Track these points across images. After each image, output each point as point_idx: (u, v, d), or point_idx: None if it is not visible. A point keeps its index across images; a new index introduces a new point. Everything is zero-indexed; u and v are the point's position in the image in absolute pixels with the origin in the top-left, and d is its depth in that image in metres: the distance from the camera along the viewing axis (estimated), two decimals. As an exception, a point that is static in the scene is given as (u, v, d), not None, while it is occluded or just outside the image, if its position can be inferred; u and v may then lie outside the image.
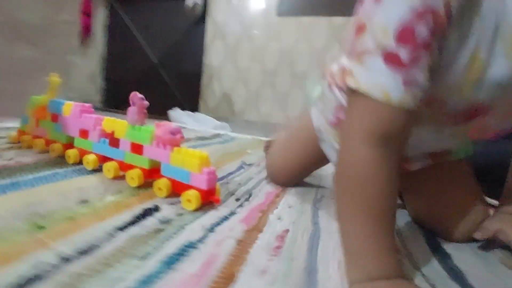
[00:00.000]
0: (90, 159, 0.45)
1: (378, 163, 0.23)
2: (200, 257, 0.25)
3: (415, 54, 0.21)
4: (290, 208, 0.41)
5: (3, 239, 0.24)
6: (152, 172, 0.41)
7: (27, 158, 0.48)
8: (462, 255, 0.32)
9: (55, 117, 0.52)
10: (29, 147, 0.54)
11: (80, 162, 0.47)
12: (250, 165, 0.66)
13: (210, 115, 1.84)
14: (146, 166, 0.41)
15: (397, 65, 0.21)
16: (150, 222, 0.31)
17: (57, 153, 0.50)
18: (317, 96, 0.47)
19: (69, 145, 0.50)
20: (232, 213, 0.36)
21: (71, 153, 0.47)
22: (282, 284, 0.23)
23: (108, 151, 0.45)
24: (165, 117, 1.64)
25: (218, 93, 1.84)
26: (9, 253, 0.22)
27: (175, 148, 0.39)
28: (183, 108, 1.73)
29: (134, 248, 0.25)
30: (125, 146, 0.43)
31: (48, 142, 0.52)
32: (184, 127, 1.29)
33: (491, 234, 0.33)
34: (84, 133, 0.48)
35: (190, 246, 0.27)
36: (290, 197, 0.46)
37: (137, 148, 0.42)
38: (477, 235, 0.34)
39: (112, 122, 0.46)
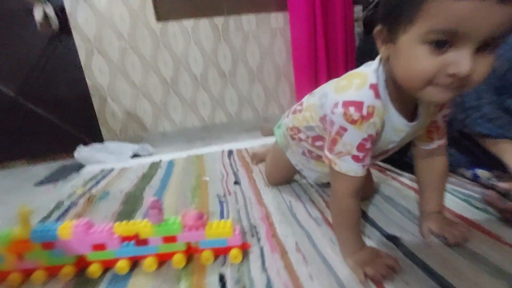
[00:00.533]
0: (123, 265, 0.51)
1: (354, 204, 0.46)
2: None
3: (365, 153, 0.44)
4: (285, 224, 0.62)
5: None
6: (187, 251, 0.52)
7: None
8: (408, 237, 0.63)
9: (48, 245, 0.51)
10: (20, 283, 0.52)
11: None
12: (224, 195, 0.81)
13: (118, 139, 1.73)
14: (183, 248, 0.52)
15: (358, 160, 0.43)
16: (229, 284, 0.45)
17: (70, 276, 0.52)
18: (282, 143, 0.70)
19: (77, 263, 0.53)
20: (262, 248, 0.54)
21: (96, 268, 0.51)
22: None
23: (137, 251, 0.52)
24: (67, 157, 1.46)
25: (120, 113, 1.71)
26: None
27: (206, 227, 0.51)
28: (84, 143, 1.55)
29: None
30: (156, 242, 0.51)
31: (49, 270, 0.52)
32: (104, 169, 1.23)
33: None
34: (99, 247, 0.51)
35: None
36: (274, 212, 0.67)
37: (170, 239, 0.51)
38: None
39: (125, 226, 0.52)
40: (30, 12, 1.45)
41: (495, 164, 0.62)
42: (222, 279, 0.47)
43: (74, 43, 1.56)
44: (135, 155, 1.53)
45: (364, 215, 0.62)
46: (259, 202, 0.74)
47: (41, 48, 1.56)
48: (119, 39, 1.60)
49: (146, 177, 1.06)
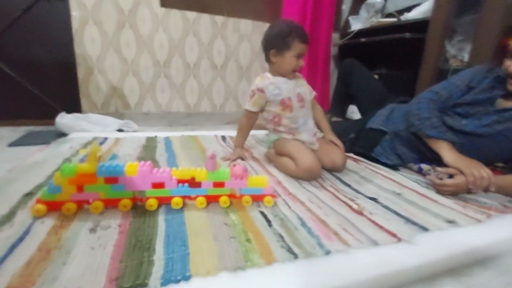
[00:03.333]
0: (178, 200, 0.62)
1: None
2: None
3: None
4: (294, 188, 0.80)
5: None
6: (231, 196, 0.66)
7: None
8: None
9: (111, 180, 0.59)
10: (73, 213, 0.58)
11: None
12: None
13: (98, 113, 1.69)
14: (229, 192, 0.65)
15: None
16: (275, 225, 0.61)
17: (128, 207, 0.60)
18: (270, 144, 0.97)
19: (133, 198, 0.62)
20: (284, 200, 0.71)
21: (153, 202, 0.61)
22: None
23: (190, 191, 0.63)
24: (37, 124, 1.40)
25: (104, 87, 1.68)
26: None
27: (248, 178, 0.66)
28: (57, 112, 1.48)
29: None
30: (207, 185, 0.64)
31: (106, 202, 0.60)
32: (97, 137, 1.24)
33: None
34: (158, 185, 0.61)
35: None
36: (283, 180, 0.84)
37: (219, 184, 0.64)
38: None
39: (182, 171, 0.63)
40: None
41: (435, 159, 0.90)
42: (262, 214, 0.62)
43: (68, 7, 1.51)
44: (119, 130, 1.53)
45: (349, 186, 0.83)
46: (268, 173, 0.90)
47: (28, 4, 1.46)
48: (118, 14, 1.60)
49: (149, 148, 1.12)
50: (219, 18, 1.81)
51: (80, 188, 0.58)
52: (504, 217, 0.67)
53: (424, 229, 0.59)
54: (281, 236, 0.54)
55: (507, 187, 0.76)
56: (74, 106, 1.65)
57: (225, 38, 1.87)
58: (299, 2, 1.85)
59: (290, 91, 0.92)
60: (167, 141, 1.26)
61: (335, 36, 2.11)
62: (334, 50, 2.17)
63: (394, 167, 1.00)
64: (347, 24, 2.09)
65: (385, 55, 1.90)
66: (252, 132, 1.07)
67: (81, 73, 1.61)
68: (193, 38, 1.79)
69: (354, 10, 2.08)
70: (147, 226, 0.55)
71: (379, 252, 0.51)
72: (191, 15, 1.74)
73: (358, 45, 1.92)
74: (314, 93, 1.01)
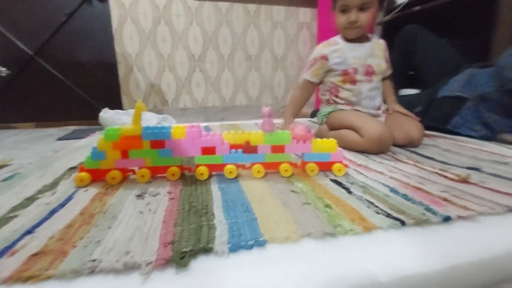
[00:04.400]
0: (232, 169, 0.52)
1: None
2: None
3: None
4: (361, 160, 0.66)
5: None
6: (291, 164, 0.55)
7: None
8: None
9: (158, 144, 0.52)
10: (118, 182, 0.51)
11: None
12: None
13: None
14: (290, 159, 0.54)
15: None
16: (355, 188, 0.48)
17: (177, 177, 0.52)
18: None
19: (181, 166, 0.53)
20: (356, 170, 0.58)
21: (204, 170, 0.52)
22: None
23: (244, 158, 0.54)
24: (79, 124, 1.41)
25: (143, 84, 1.69)
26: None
27: (312, 141, 0.55)
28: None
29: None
30: (264, 150, 0.54)
31: (153, 171, 0.52)
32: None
33: None
34: (209, 150, 0.53)
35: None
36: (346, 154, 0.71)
37: (278, 149, 0.54)
38: None
39: (234, 135, 0.54)
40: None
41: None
42: (335, 182, 0.50)
43: (108, 8, 1.55)
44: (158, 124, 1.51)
45: (432, 159, 0.67)
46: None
47: (72, 9, 1.53)
48: (153, 10, 1.61)
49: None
50: (251, 6, 1.75)
51: (125, 154, 0.52)
52: None
53: None
54: (371, 202, 0.41)
55: None
56: (116, 104, 1.67)
57: (258, 27, 1.80)
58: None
59: (358, 60, 0.78)
60: (207, 129, 1.20)
61: (379, 15, 1.94)
62: (377, 31, 1.99)
63: (481, 139, 0.81)
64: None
65: (446, 23, 1.66)
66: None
67: (121, 71, 1.64)
68: (226, 28, 1.75)
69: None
70: (200, 193, 0.46)
71: (520, 219, 0.36)
72: (223, 5, 1.71)
73: (409, 18, 1.72)
74: (390, 71, 0.86)
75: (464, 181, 0.50)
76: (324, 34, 1.80)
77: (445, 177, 0.53)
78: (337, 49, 0.79)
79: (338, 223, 0.35)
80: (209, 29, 1.72)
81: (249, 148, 0.54)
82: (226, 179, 0.52)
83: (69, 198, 0.45)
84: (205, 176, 0.52)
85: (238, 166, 0.54)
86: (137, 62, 1.65)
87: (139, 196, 0.45)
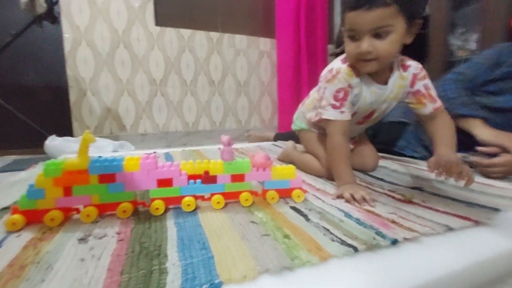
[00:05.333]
0: (191, 201, 0.50)
1: (343, 140, 0.63)
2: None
3: (340, 102, 0.63)
4: (320, 184, 0.69)
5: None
6: (252, 193, 0.55)
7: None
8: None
9: (108, 178, 0.48)
10: (58, 224, 0.46)
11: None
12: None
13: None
14: (251, 188, 0.54)
15: (336, 108, 0.62)
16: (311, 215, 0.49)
17: (128, 214, 0.48)
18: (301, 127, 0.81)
19: (134, 202, 0.50)
20: (314, 195, 0.59)
21: (160, 204, 0.49)
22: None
23: (203, 189, 0.52)
24: (35, 151, 1.29)
25: (98, 109, 1.60)
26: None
27: (272, 168, 0.55)
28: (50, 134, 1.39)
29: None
30: (224, 179, 0.52)
31: (101, 208, 0.48)
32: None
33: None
34: (165, 182, 0.50)
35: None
36: (306, 179, 0.73)
37: (238, 178, 0.53)
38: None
39: (192, 165, 0.53)
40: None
41: (469, 146, 0.81)
42: (294, 209, 0.51)
43: (60, 30, 1.48)
44: (114, 152, 1.42)
45: (382, 180, 0.72)
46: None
47: (19, 29, 1.43)
48: (111, 34, 1.58)
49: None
50: (214, 34, 1.80)
51: (68, 191, 0.47)
52: None
53: (496, 210, 0.48)
54: (327, 229, 0.42)
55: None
56: (65, 131, 1.55)
57: (221, 53, 1.85)
58: (291, 18, 1.87)
59: (368, 106, 0.65)
60: (168, 156, 1.15)
61: (331, 47, 2.13)
62: (330, 60, 2.17)
63: (422, 160, 0.90)
64: (341, 36, 2.12)
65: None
66: (256, 144, 0.98)
67: (73, 95, 1.54)
68: (189, 54, 1.76)
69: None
70: (153, 231, 0.43)
71: (458, 238, 0.40)
72: (186, 32, 1.73)
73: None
74: (434, 104, 0.65)
75: (409, 201, 0.54)
76: (283, 63, 1.91)
77: (393, 197, 0.56)
78: (357, 83, 0.62)
79: (296, 255, 0.35)
80: (171, 55, 1.72)
81: (208, 178, 0.52)
82: (184, 212, 0.50)
83: (-6, 247, 0.38)
84: (161, 211, 0.49)
85: (197, 197, 0.52)
86: (92, 86, 1.56)
87: (82, 240, 0.40)
